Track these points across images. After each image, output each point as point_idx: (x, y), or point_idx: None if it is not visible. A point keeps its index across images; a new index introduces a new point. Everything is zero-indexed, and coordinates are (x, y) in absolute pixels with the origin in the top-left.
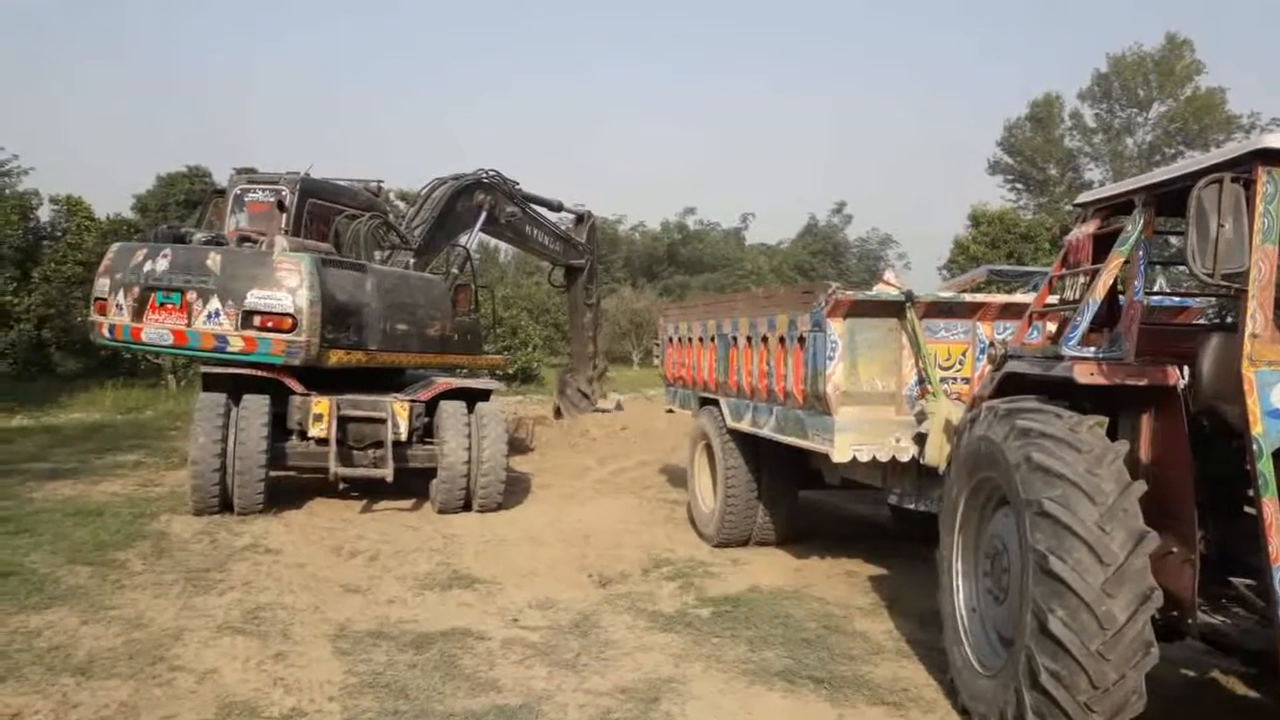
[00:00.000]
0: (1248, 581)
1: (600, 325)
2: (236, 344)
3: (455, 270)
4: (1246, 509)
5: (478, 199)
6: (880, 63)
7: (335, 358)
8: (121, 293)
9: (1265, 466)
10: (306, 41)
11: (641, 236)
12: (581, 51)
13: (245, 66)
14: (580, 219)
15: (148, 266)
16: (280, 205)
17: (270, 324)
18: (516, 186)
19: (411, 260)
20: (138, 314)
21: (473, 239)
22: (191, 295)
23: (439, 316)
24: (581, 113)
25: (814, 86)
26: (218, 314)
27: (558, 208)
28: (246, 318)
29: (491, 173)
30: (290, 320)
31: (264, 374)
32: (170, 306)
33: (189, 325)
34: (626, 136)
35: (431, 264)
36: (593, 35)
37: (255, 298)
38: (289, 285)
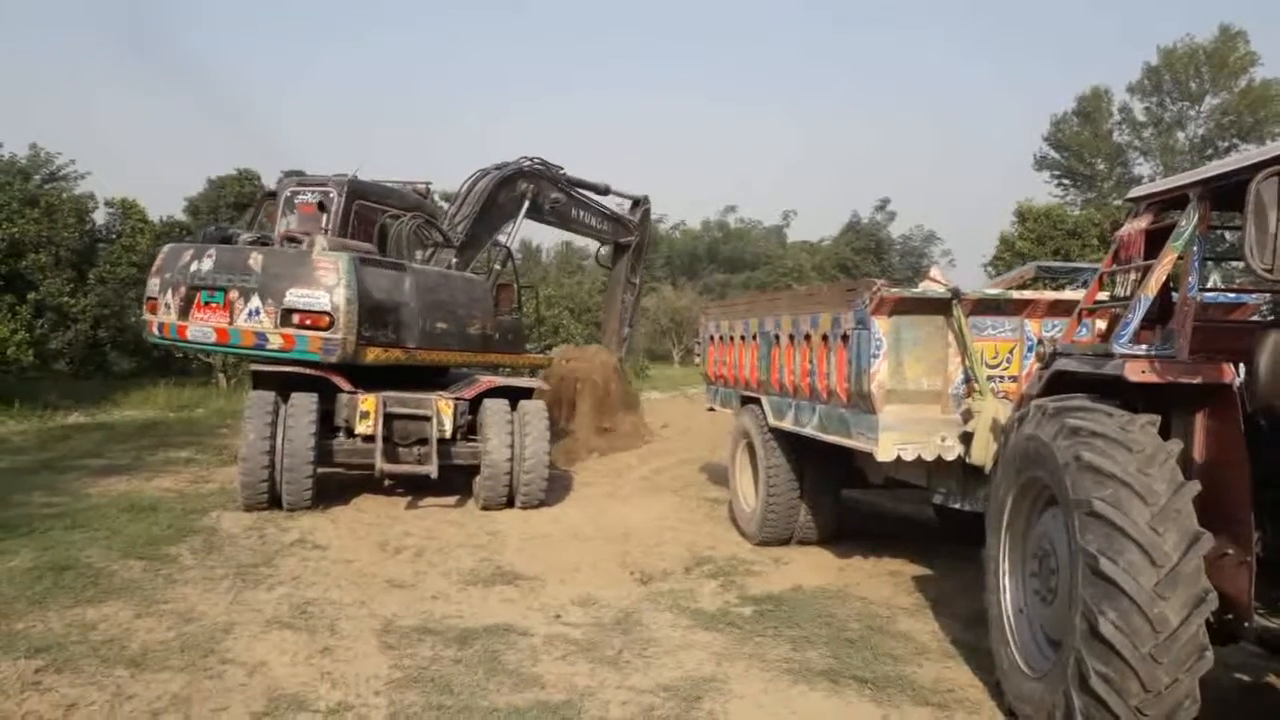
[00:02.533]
0: None
1: (638, 307)
2: (275, 341)
3: (498, 267)
4: None
5: (521, 189)
6: (924, 56)
7: (372, 355)
8: (170, 292)
9: None
10: (365, 47)
11: (682, 235)
12: (642, 60)
13: (297, 71)
14: (636, 203)
15: (194, 266)
16: (320, 206)
17: (308, 321)
18: (561, 171)
19: (454, 258)
20: (184, 312)
21: (516, 231)
22: (234, 294)
23: (480, 315)
24: (630, 114)
25: (855, 82)
26: (258, 312)
27: (605, 190)
28: (286, 315)
29: (534, 160)
30: (328, 318)
31: (312, 372)
32: (214, 305)
33: (231, 323)
34: (671, 136)
35: (474, 261)
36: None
37: (294, 296)
38: (327, 284)
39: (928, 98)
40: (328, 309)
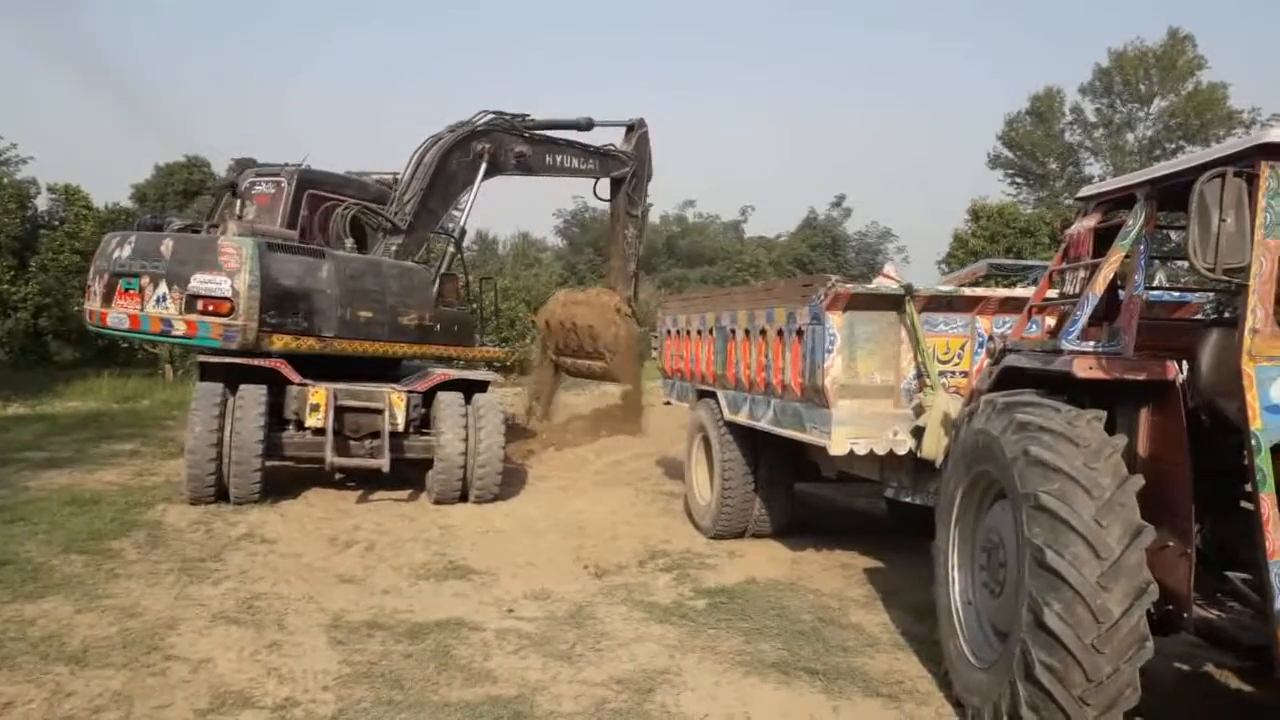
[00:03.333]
0: (1244, 576)
1: (643, 240)
2: (180, 328)
3: (452, 250)
4: (1244, 504)
5: (475, 149)
6: (881, 55)
7: (281, 343)
8: (98, 280)
9: (1264, 461)
10: (332, 37)
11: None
12: (596, 62)
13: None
14: (630, 129)
15: (116, 254)
16: (233, 189)
17: (210, 308)
18: (526, 119)
19: (399, 243)
20: (107, 299)
21: (473, 201)
22: (146, 280)
23: (417, 305)
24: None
25: (812, 80)
26: (165, 298)
27: (587, 125)
28: (190, 301)
29: (489, 114)
30: (229, 304)
31: (261, 363)
32: (131, 292)
33: (142, 309)
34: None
35: (425, 243)
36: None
37: (198, 282)
38: (229, 269)
39: (886, 94)
40: (228, 295)
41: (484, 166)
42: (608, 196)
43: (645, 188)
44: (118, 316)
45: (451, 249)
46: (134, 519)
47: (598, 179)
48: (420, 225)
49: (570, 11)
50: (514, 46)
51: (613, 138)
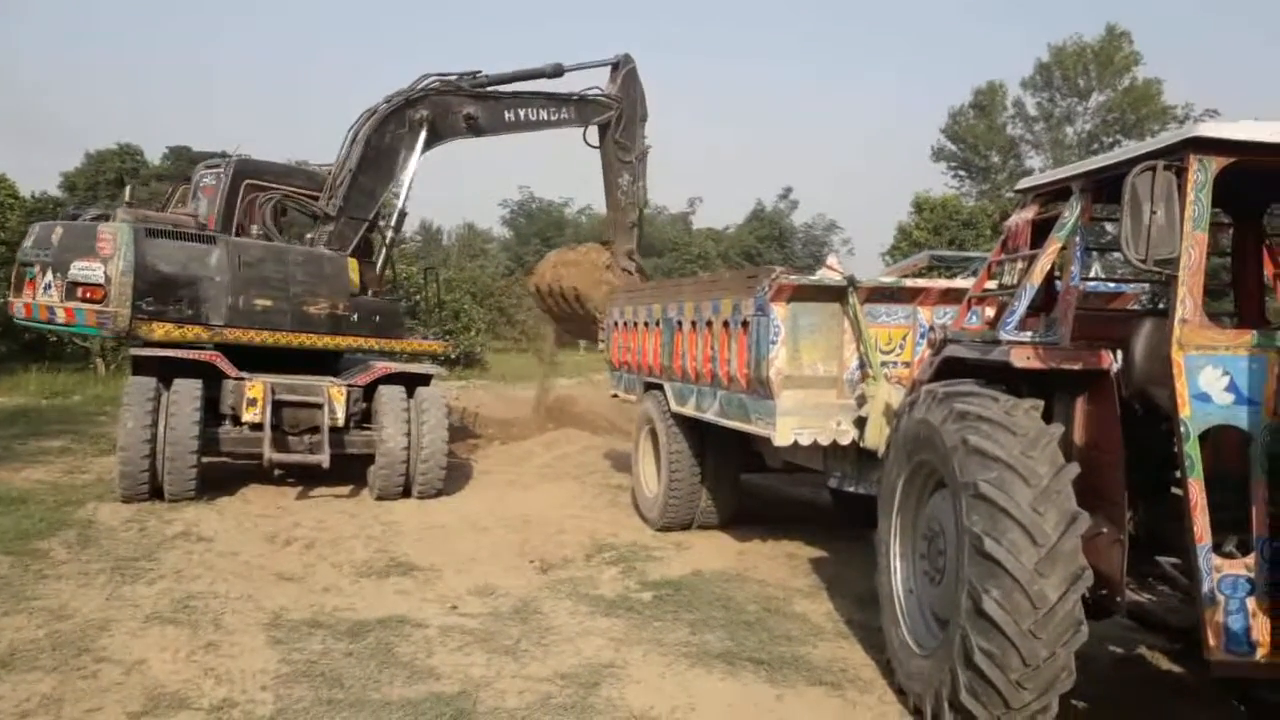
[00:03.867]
0: (1173, 561)
1: (643, 186)
2: (61, 315)
3: (391, 234)
4: (1174, 490)
5: (411, 119)
6: (831, 47)
7: (161, 331)
8: (13, 270)
9: (1192, 448)
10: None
11: (589, 220)
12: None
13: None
14: (615, 67)
15: (26, 244)
16: (186, 180)
17: (87, 294)
18: (477, 76)
19: (329, 230)
20: (17, 289)
21: (410, 175)
22: (38, 268)
23: (329, 294)
24: None
25: (763, 71)
26: (50, 286)
27: (556, 72)
28: (71, 289)
29: (429, 79)
30: (101, 290)
31: (195, 357)
32: (31, 281)
33: (34, 298)
34: None
35: (364, 228)
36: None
37: (76, 269)
38: (104, 255)
39: (831, 87)
40: (101, 281)
41: (423, 135)
42: (598, 144)
43: (639, 130)
44: (19, 306)
45: (383, 234)
46: (64, 518)
47: (580, 127)
48: (353, 209)
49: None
50: (456, 46)
51: (599, 80)
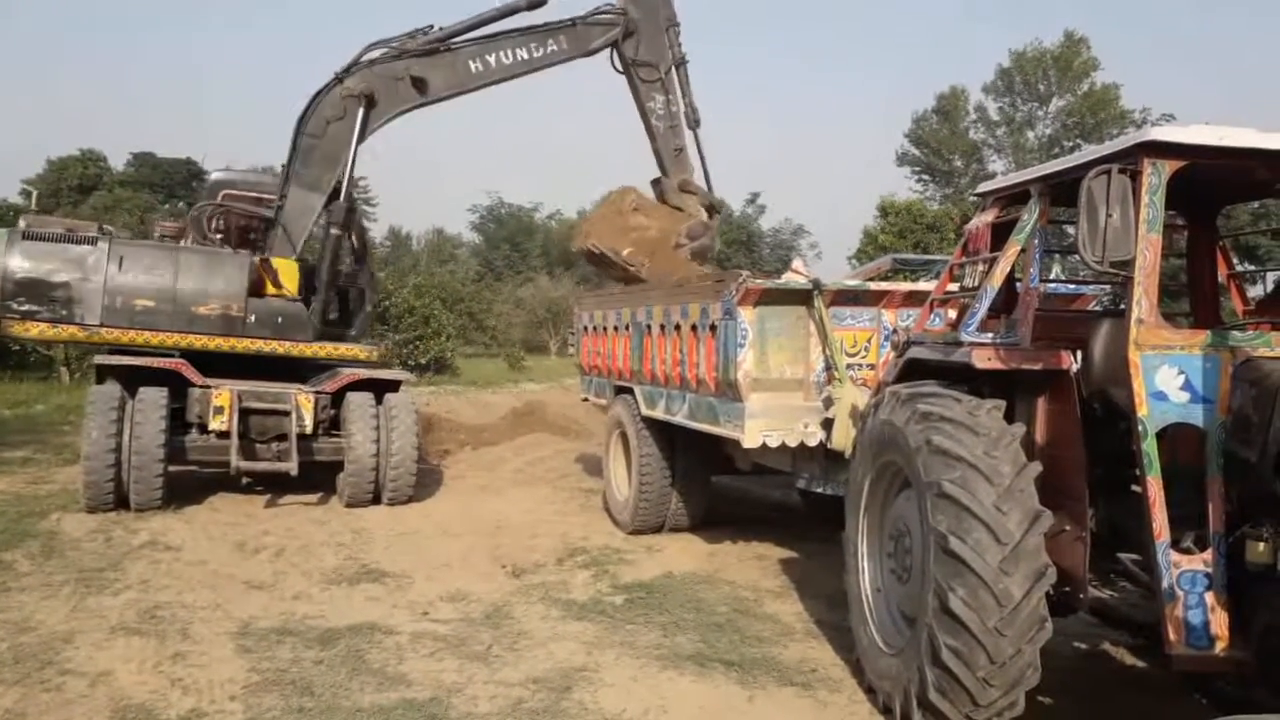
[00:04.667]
0: (1134, 557)
1: (687, 102)
2: None
3: (335, 231)
4: (1133, 488)
5: (344, 95)
6: (795, 53)
7: (35, 331)
8: None
9: (1149, 447)
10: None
11: (558, 224)
12: None
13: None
14: None
15: None
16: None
17: None
18: (422, 33)
19: (274, 232)
20: None
21: (351, 156)
22: None
23: (220, 295)
24: (501, 99)
25: (730, 75)
26: None
27: (533, 3)
28: None
29: (370, 46)
30: None
31: (161, 364)
32: None
33: None
34: (543, 122)
35: (312, 221)
36: None
37: None
38: None
39: (797, 93)
40: None
41: (360, 113)
42: (644, 78)
43: (664, 39)
44: None
45: (326, 230)
46: (27, 529)
47: (582, 56)
48: (292, 208)
49: None
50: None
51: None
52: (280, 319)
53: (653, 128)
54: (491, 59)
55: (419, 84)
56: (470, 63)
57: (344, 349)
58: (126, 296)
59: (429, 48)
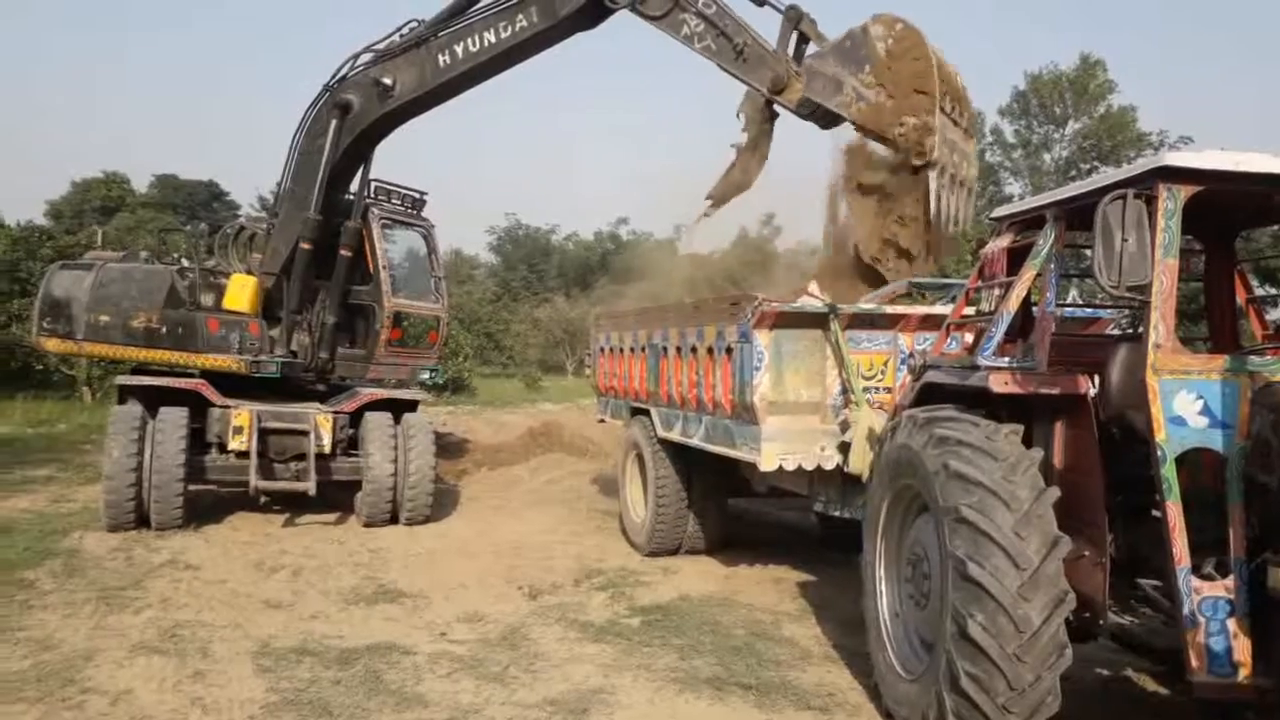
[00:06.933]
0: (1154, 583)
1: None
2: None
3: (350, 254)
4: (1153, 513)
5: (323, 115)
6: None
7: (53, 344)
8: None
9: (1168, 471)
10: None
11: (575, 246)
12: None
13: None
14: None
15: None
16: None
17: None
18: (414, 26)
19: (263, 253)
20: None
21: (324, 167)
22: None
23: (146, 308)
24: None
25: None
26: None
27: None
28: None
29: (355, 55)
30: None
31: (182, 385)
32: None
33: None
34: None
35: (302, 235)
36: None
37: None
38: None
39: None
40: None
41: (333, 126)
42: (655, 13)
43: None
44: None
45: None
46: (49, 547)
47: (553, 22)
48: (284, 223)
49: None
50: None
51: None
52: (180, 329)
53: (704, 49)
54: (459, 49)
55: (383, 90)
56: (439, 56)
57: (215, 358)
58: (96, 313)
59: (405, 46)
